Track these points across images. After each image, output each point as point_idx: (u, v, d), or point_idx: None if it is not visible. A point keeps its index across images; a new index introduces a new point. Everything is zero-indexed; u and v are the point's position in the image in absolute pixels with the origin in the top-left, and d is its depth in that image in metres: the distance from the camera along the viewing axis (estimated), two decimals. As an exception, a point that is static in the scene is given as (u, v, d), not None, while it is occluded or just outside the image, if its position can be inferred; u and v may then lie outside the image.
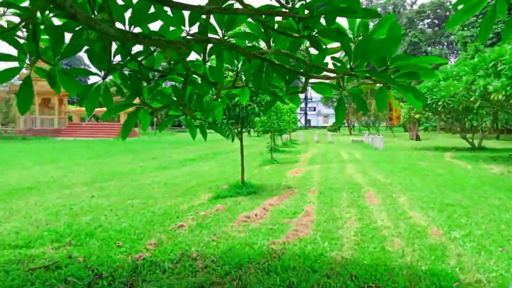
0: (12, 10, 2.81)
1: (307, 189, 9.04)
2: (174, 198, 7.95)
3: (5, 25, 2.80)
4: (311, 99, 76.86)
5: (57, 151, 19.43)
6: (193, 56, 3.03)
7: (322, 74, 2.76)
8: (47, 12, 2.57)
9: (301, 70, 2.79)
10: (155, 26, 2.66)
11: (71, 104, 50.67)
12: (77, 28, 2.58)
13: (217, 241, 4.95)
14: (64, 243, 4.88)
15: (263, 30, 2.77)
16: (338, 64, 2.47)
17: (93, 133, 35.94)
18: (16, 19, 2.83)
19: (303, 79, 2.84)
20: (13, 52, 2.41)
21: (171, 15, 2.60)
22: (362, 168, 13.20)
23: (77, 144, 26.24)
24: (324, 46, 2.62)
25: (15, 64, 2.44)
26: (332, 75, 2.69)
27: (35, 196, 7.88)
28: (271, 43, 2.75)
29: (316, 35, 2.55)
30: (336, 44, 2.70)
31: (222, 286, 3.58)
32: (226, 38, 2.76)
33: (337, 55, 2.71)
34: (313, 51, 2.70)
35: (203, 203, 7.39)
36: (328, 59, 2.73)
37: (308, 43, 2.75)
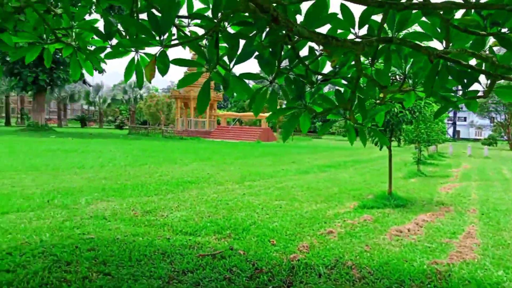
0: (193, 21, 3.18)
1: (465, 207, 8.10)
2: (318, 203, 7.99)
3: (189, 34, 3.19)
4: (461, 107, 68.97)
5: (209, 151, 21.50)
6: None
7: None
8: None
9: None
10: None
11: (219, 108, 55.65)
12: (251, 34, 2.77)
13: (370, 252, 4.77)
14: (225, 235, 5.32)
15: (439, 30, 2.58)
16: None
17: (237, 136, 38.74)
18: (194, 28, 3.20)
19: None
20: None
21: (341, 18, 2.61)
22: (534, 189, 11.24)
23: (224, 145, 28.63)
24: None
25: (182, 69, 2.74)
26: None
27: (195, 190, 8.83)
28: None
29: (508, 32, 2.26)
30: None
31: (383, 300, 3.42)
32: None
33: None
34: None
35: (349, 211, 7.25)
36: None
37: (491, 41, 2.46)
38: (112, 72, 48.96)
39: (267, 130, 41.18)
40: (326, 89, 3.35)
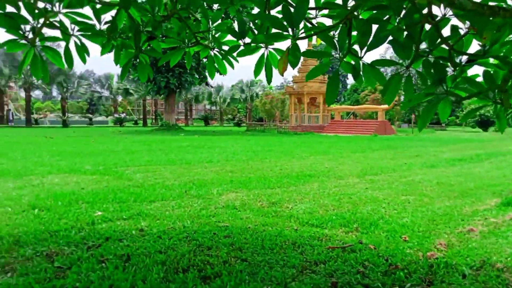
0: (320, 12, 3.14)
1: None
2: (452, 199, 7.32)
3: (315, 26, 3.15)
4: None
5: (325, 145, 21.36)
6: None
7: None
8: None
9: None
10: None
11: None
12: (385, 18, 2.63)
13: (523, 255, 4.20)
14: (352, 228, 5.23)
15: None
16: None
17: (352, 129, 37.65)
18: (320, 19, 3.15)
19: None
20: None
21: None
22: None
23: (338, 139, 28.11)
24: None
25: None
26: None
27: (316, 183, 8.85)
28: None
29: None
30: None
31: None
32: None
33: None
34: None
35: (489, 209, 6.49)
36: None
37: None
38: (230, 73, 51.96)
39: (385, 122, 39.17)
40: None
